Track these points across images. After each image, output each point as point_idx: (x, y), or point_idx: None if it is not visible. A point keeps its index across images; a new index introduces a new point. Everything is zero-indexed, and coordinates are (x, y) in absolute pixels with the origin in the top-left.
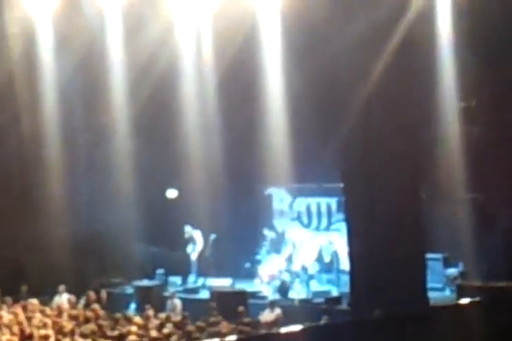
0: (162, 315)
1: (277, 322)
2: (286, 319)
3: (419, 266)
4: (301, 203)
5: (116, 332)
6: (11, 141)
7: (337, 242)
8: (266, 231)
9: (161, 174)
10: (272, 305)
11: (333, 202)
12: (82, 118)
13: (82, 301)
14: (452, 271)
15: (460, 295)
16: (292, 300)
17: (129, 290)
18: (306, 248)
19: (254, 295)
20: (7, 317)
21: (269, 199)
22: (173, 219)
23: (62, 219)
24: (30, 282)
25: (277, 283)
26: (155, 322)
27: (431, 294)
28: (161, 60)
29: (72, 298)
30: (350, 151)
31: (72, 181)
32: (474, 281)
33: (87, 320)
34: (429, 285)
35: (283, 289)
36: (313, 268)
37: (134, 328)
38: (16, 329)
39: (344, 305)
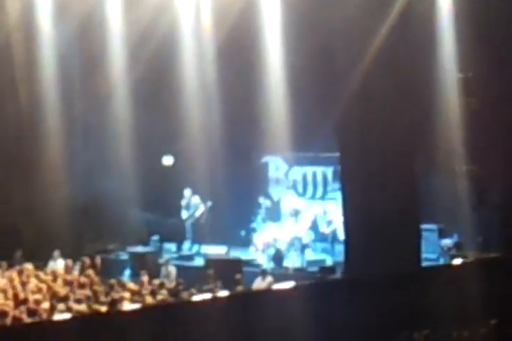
0: (156, 282)
1: None
2: None
3: (413, 236)
4: (297, 172)
5: (109, 298)
6: (8, 107)
7: (332, 211)
8: (261, 200)
9: (158, 141)
10: (264, 273)
11: (329, 171)
12: (80, 85)
13: (77, 267)
14: (447, 242)
15: None
16: (286, 268)
17: (124, 256)
18: (301, 216)
19: (248, 263)
20: (2, 281)
21: (265, 168)
22: (169, 186)
23: (59, 185)
24: (25, 247)
25: (272, 251)
26: (149, 288)
27: (425, 264)
28: (160, 27)
29: (68, 263)
30: (347, 121)
31: (69, 147)
32: (469, 252)
33: (81, 286)
34: (424, 255)
35: (277, 257)
36: (308, 237)
37: (127, 294)
38: (10, 293)
39: (338, 274)
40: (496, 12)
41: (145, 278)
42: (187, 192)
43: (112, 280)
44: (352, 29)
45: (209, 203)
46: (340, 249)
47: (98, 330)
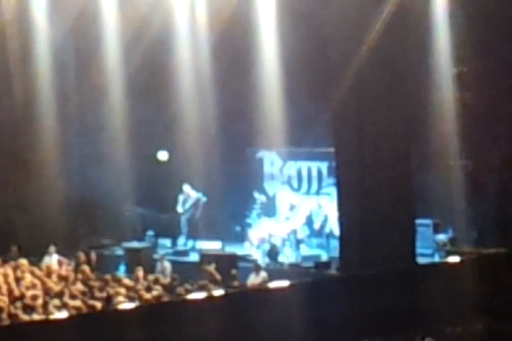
0: (151, 277)
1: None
2: None
3: (408, 231)
4: (292, 167)
5: (105, 294)
6: (3, 102)
7: (327, 206)
8: (256, 195)
9: (153, 136)
10: (257, 267)
11: (323, 166)
12: (74, 80)
13: (72, 262)
14: (442, 237)
15: None
16: (282, 264)
17: (119, 251)
18: (296, 212)
19: (243, 258)
20: None
21: (260, 163)
22: (164, 181)
23: (53, 180)
24: (20, 242)
25: (267, 246)
26: (144, 283)
27: (420, 260)
28: (155, 21)
29: (63, 258)
30: (342, 116)
31: (64, 142)
32: (464, 247)
33: (76, 281)
34: (419, 250)
35: (272, 253)
36: (303, 232)
37: (122, 290)
38: (5, 289)
39: (333, 270)
40: (490, 7)
41: (140, 274)
42: (186, 187)
43: (107, 276)
44: (347, 24)
45: (204, 198)
46: (335, 244)
47: (95, 329)
